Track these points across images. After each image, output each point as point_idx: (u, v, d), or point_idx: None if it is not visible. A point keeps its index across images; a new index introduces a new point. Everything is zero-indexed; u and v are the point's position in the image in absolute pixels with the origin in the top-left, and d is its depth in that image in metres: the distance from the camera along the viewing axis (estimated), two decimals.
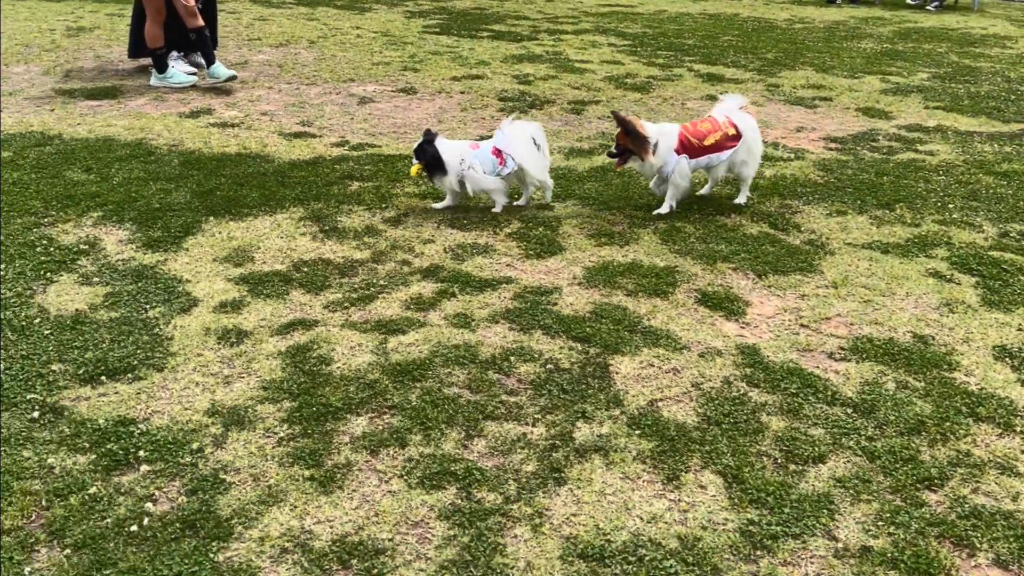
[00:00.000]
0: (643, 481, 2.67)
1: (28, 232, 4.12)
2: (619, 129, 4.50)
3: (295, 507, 2.52)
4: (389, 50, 8.61)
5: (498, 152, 4.55)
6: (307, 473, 2.65)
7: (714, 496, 2.61)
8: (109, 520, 2.43)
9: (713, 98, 7.26)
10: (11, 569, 2.24)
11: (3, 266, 3.78)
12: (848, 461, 2.76)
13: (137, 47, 6.95)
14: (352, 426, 2.89)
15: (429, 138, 4.51)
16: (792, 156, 5.77)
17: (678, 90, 7.48)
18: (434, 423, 2.90)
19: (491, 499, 2.57)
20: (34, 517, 2.43)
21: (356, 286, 3.83)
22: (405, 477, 2.66)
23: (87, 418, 2.84)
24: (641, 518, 2.51)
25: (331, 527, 2.45)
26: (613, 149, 4.59)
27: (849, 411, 3.02)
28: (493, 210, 4.68)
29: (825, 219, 4.69)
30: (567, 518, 2.51)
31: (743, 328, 3.57)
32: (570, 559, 2.36)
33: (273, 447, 2.77)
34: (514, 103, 6.84)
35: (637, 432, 2.89)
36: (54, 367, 3.10)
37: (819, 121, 6.68)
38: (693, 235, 4.44)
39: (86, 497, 2.50)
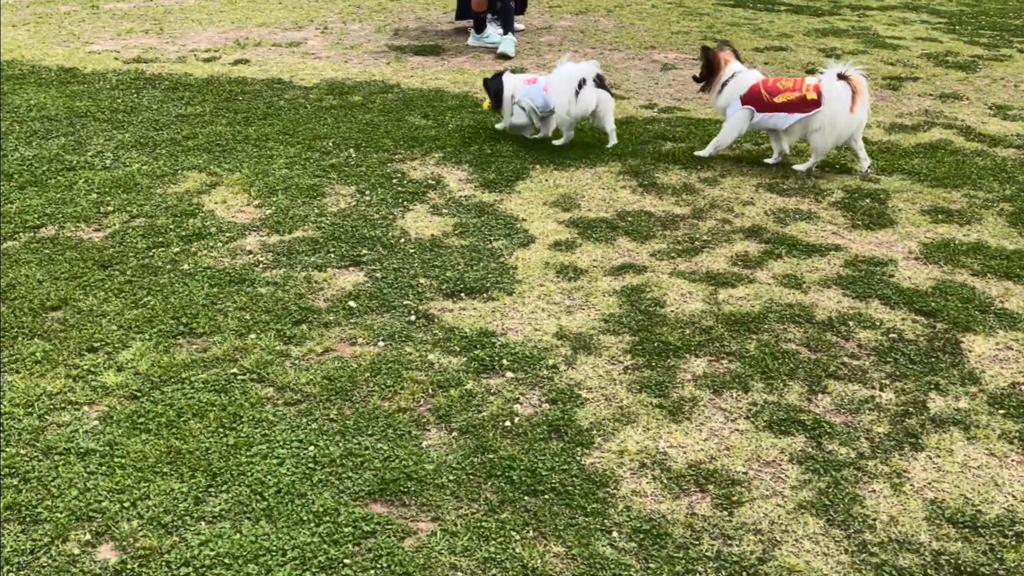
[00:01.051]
0: (1012, 460, 2.52)
1: (384, 166, 4.62)
2: (702, 59, 4.72)
3: (648, 429, 2.66)
4: (686, 20, 8.58)
5: (547, 88, 4.83)
6: (655, 401, 2.78)
7: None
8: (485, 414, 2.70)
9: None
10: (410, 441, 2.57)
11: (368, 193, 4.27)
12: None
13: (463, 10, 7.48)
14: (692, 365, 2.98)
15: (496, 74, 5.01)
16: None
17: (1010, 71, 6.80)
18: (776, 374, 2.92)
19: (843, 452, 2.56)
20: (422, 402, 2.76)
21: (679, 239, 3.91)
22: (751, 419, 2.71)
23: (454, 326, 3.17)
24: (1014, 496, 2.38)
25: (684, 452, 2.56)
26: (698, 74, 4.80)
27: None
28: (497, 124, 5.12)
29: None
30: (928, 483, 2.44)
31: None
32: (937, 522, 2.30)
33: (619, 374, 2.93)
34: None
35: (1000, 412, 2.72)
36: (421, 280, 3.48)
37: None
38: None
39: (463, 392, 2.80)
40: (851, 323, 3.23)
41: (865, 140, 5.17)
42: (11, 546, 2.13)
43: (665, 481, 2.45)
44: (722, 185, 4.51)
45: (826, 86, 4.43)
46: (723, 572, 2.15)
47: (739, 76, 4.58)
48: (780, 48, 7.43)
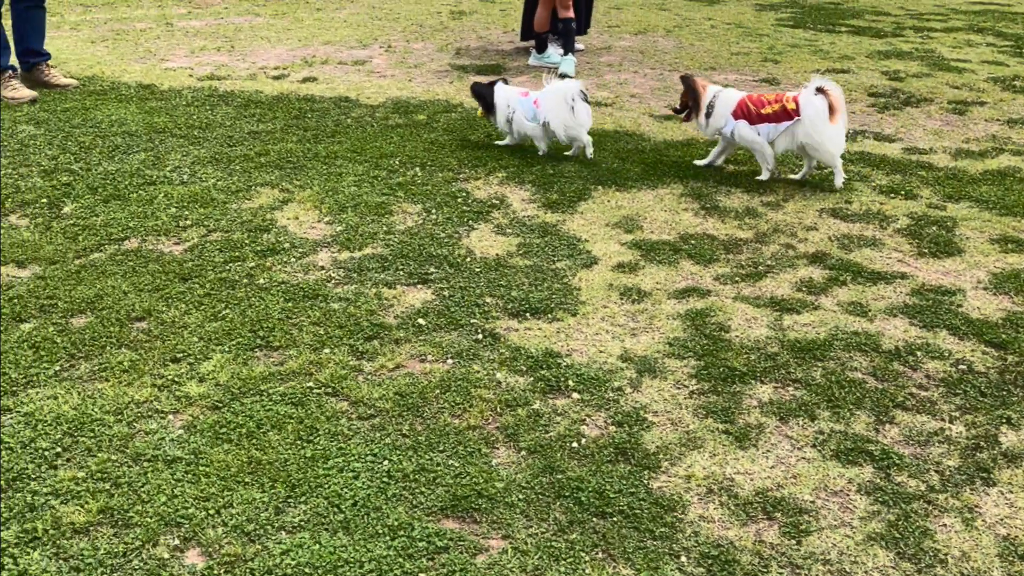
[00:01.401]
0: None
1: (449, 185, 4.72)
2: (683, 88, 4.90)
3: (714, 455, 2.68)
4: (745, 41, 8.57)
5: (537, 103, 5.06)
6: (721, 427, 2.81)
7: None
8: (552, 434, 2.75)
9: None
10: (480, 458, 2.63)
11: (434, 212, 4.37)
12: None
13: (528, 31, 7.60)
14: (758, 391, 2.99)
15: (490, 83, 5.23)
16: None
17: None
18: (842, 403, 2.92)
19: (913, 485, 2.55)
20: (491, 420, 2.82)
21: (743, 263, 3.92)
22: (818, 448, 2.71)
23: (520, 346, 3.23)
24: None
25: (751, 479, 2.58)
26: (677, 106, 5.05)
27: None
28: (539, 152, 5.21)
29: None
30: (1001, 519, 2.42)
31: None
32: (1010, 559, 2.28)
33: (685, 398, 2.96)
34: (886, 99, 6.51)
35: None
36: (487, 300, 3.55)
37: None
38: None
39: (531, 411, 2.85)
40: (919, 353, 3.21)
41: (931, 166, 5.13)
42: (104, 548, 2.24)
43: (732, 507, 2.47)
44: (785, 209, 4.51)
45: (804, 99, 4.59)
46: None
47: (722, 95, 4.78)
48: (843, 70, 7.38)
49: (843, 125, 4.62)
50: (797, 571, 2.26)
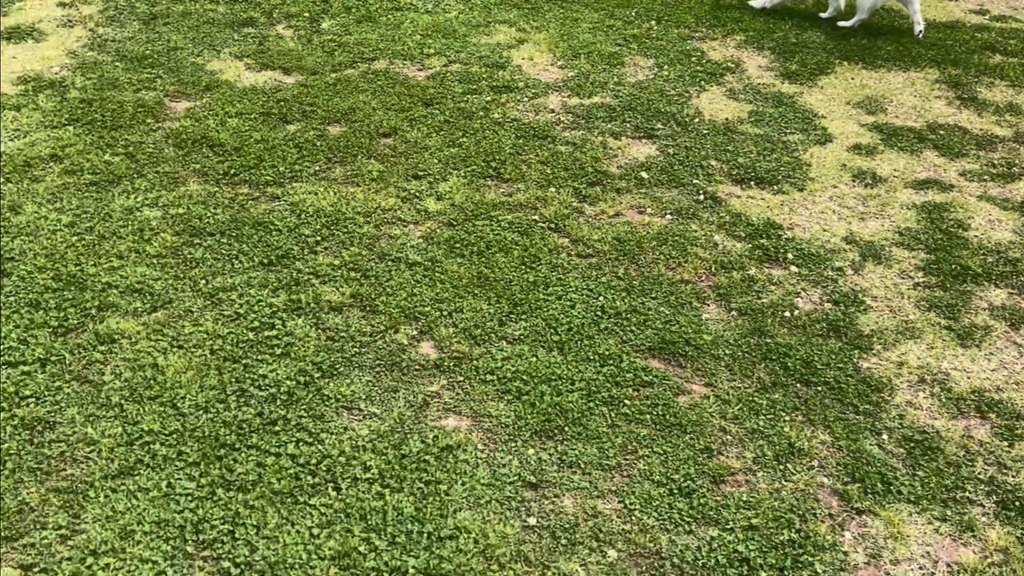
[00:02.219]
0: None
1: (684, 42, 4.59)
2: None
3: (932, 348, 2.62)
4: None
5: None
6: (943, 323, 2.72)
7: None
8: (765, 300, 2.79)
9: None
10: (690, 311, 2.72)
11: (666, 68, 4.30)
12: None
13: None
14: (990, 294, 2.85)
15: None
16: None
17: None
18: None
19: None
20: (704, 278, 2.89)
21: (995, 161, 3.63)
22: None
23: (740, 212, 3.22)
24: None
25: (968, 377, 2.52)
26: None
27: None
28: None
29: None
30: None
31: None
32: None
33: (908, 289, 2.87)
34: None
35: None
36: (712, 162, 3.53)
37: None
38: None
39: (745, 276, 2.89)
40: None
41: None
42: (355, 327, 2.56)
43: (943, 400, 2.44)
44: None
45: None
46: (994, 497, 2.16)
47: None
48: None
49: None
50: (1005, 471, 2.23)
